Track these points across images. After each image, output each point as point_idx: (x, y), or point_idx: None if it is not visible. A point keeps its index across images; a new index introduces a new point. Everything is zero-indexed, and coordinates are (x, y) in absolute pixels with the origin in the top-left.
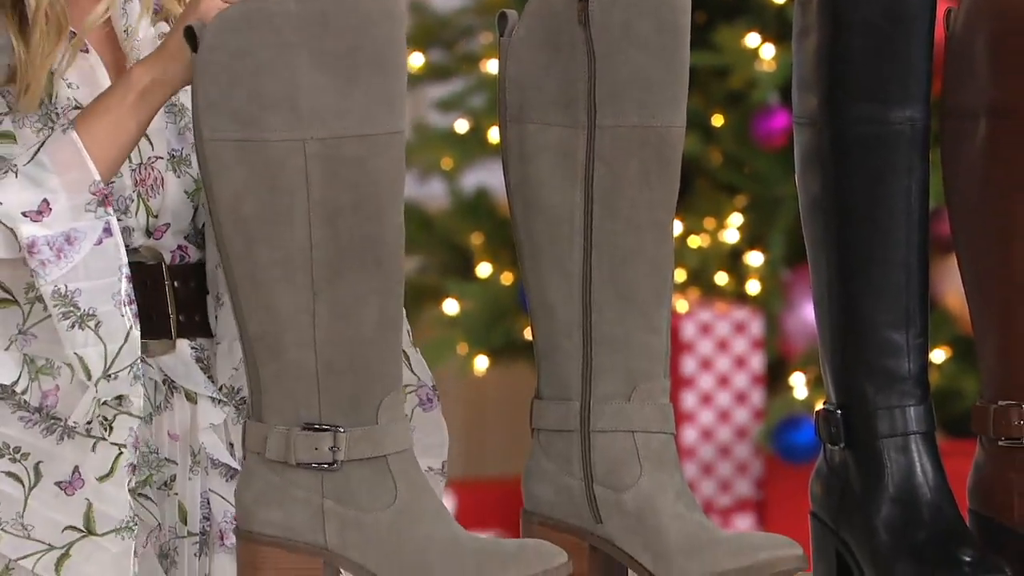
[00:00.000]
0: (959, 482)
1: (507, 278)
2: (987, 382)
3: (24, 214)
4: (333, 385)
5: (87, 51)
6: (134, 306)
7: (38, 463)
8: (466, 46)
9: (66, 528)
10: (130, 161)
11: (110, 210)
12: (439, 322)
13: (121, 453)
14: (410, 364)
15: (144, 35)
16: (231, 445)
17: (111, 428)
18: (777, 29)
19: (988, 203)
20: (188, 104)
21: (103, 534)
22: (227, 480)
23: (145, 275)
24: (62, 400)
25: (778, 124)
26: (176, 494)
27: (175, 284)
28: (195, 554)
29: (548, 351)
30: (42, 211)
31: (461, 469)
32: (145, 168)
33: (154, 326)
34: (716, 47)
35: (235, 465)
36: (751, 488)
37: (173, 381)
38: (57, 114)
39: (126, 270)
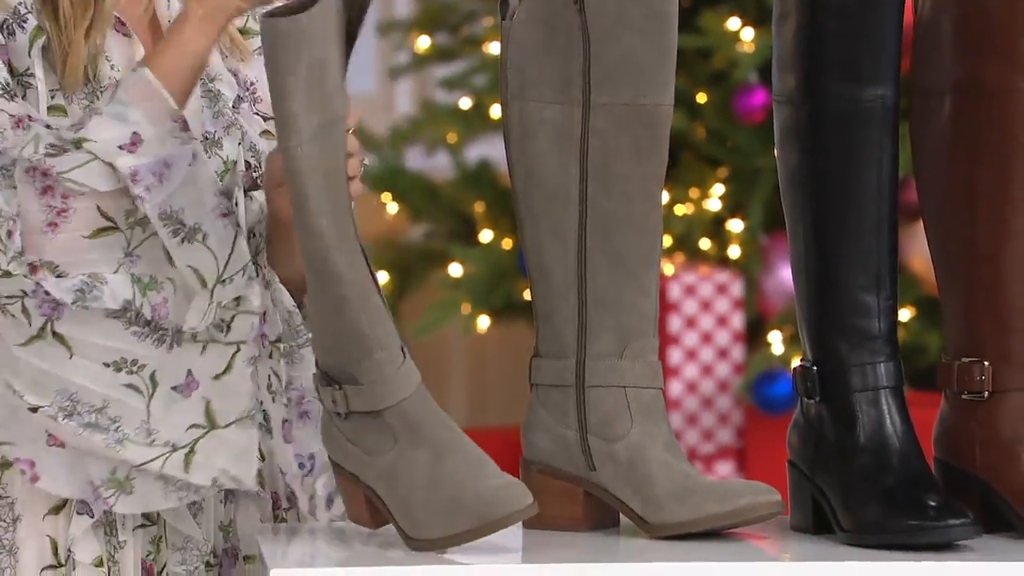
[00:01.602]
0: (924, 429)
1: (507, 244)
2: (951, 340)
3: (120, 147)
4: (322, 352)
5: (130, 36)
6: (233, 216)
7: (153, 372)
8: (470, 29)
9: (190, 427)
10: None
11: (192, 135)
12: (444, 284)
13: (239, 350)
14: None
15: None
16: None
17: (229, 328)
18: (756, 13)
19: (953, 175)
20: (223, 90)
21: (225, 426)
22: None
23: None
24: (172, 311)
25: (757, 101)
26: None
27: None
28: (220, 501)
29: (546, 312)
30: (135, 142)
31: (465, 419)
32: None
33: None
34: (700, 30)
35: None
36: (732, 437)
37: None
38: (102, 91)
39: (219, 185)
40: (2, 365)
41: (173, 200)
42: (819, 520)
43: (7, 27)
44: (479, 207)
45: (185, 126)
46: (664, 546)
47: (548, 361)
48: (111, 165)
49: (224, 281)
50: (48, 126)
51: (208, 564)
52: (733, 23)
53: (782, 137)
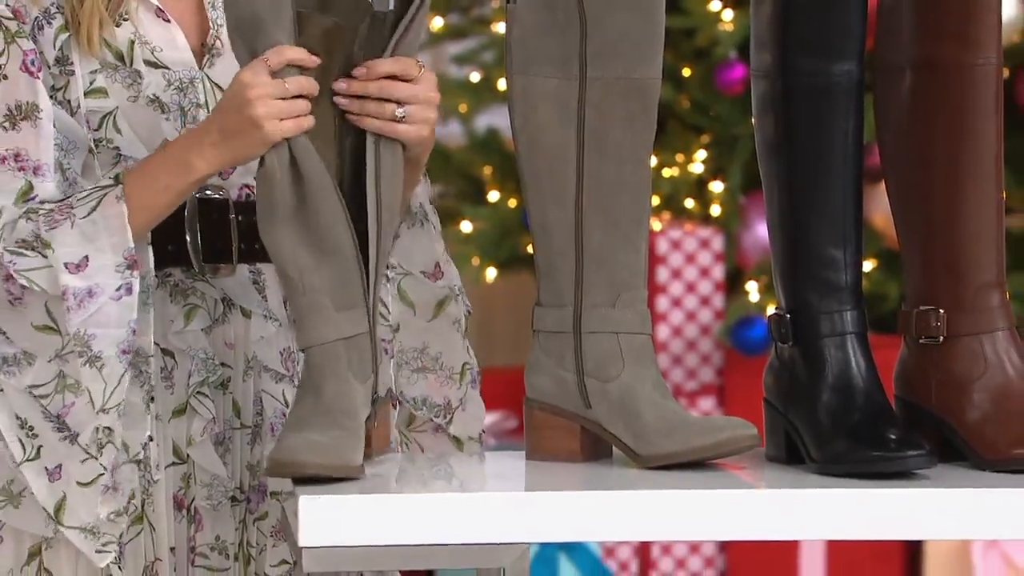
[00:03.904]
0: (885, 369)
1: (513, 203)
2: (910, 290)
3: (66, 265)
4: None
5: (169, 22)
6: (130, 356)
7: (40, 447)
8: (478, 10)
9: (43, 510)
10: (208, 110)
11: (136, 273)
12: (456, 239)
13: (101, 474)
14: (468, 349)
15: (220, 4)
16: (281, 353)
17: (102, 452)
18: None
19: (912, 143)
20: None
21: (68, 527)
22: (276, 382)
23: (212, 209)
24: (74, 417)
25: (737, 75)
26: (231, 392)
27: (239, 218)
28: (247, 443)
29: (546, 266)
30: (81, 265)
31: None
32: None
33: (218, 252)
34: (685, 11)
35: (282, 371)
36: (713, 376)
37: (231, 299)
38: (141, 75)
39: (135, 325)
40: None
41: (89, 325)
42: (791, 452)
43: (37, 24)
44: (487, 170)
45: (133, 264)
46: (653, 475)
47: (548, 310)
48: (56, 276)
49: (104, 410)
50: (34, 201)
51: (234, 499)
52: (715, 4)
53: (759, 108)
